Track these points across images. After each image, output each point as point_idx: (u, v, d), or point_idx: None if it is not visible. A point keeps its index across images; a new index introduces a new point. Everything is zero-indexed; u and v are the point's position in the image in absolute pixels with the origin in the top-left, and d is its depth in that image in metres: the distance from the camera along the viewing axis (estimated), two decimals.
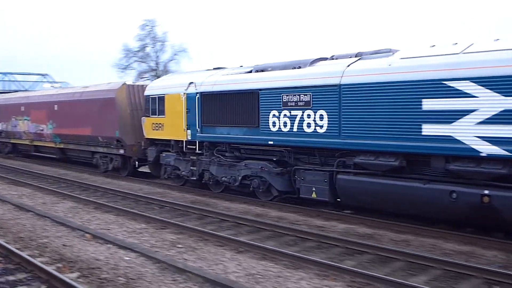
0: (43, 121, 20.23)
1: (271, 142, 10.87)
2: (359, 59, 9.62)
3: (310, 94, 9.94)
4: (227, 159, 12.21)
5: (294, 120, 10.35)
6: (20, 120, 22.06)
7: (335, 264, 6.77)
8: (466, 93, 7.48)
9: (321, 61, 10.71)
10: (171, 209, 11.34)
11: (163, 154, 14.27)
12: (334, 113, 9.49)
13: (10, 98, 24.81)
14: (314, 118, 9.91)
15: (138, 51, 39.22)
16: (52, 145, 20.08)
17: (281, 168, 11.00)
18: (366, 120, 8.95)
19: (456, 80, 7.56)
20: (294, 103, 10.30)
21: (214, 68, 14.30)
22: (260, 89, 11.06)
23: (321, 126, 9.76)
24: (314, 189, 10.10)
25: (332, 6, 65.86)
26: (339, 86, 9.34)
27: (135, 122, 16.43)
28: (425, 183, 8.17)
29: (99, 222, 9.79)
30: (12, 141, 23.81)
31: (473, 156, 7.48)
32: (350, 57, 10.16)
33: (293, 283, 6.14)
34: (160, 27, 39.56)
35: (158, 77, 28.46)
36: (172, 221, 9.77)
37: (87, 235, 8.55)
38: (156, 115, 14.13)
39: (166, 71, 37.55)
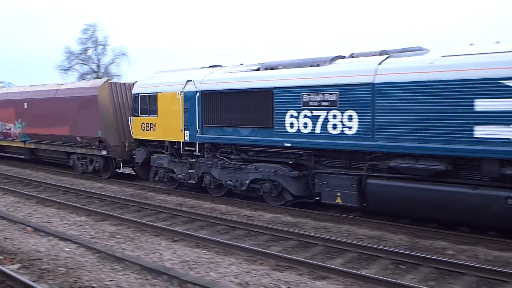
0: (11, 120, 18.53)
1: (288, 144, 9.78)
2: (387, 57, 8.69)
3: (336, 94, 8.91)
4: (233, 162, 11.07)
5: (317, 121, 9.27)
6: None
7: (262, 250, 7.31)
8: None
9: (340, 59, 9.71)
10: (111, 202, 11.81)
11: (155, 156, 13.09)
12: (366, 114, 8.56)
13: None
14: (342, 119, 8.89)
15: (80, 53, 40.66)
16: (21, 145, 18.41)
17: (298, 172, 9.83)
18: (405, 121, 8.06)
19: None
20: (317, 102, 9.28)
21: (210, 66, 13.03)
22: (275, 88, 9.89)
23: (350, 128, 8.80)
24: (339, 194, 9.10)
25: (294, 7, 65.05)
26: (372, 85, 8.40)
27: (118, 121, 15.27)
28: (474, 188, 7.35)
29: (40, 216, 9.96)
30: None
31: None
32: (374, 55, 9.23)
33: (224, 268, 6.49)
34: (102, 31, 41.14)
35: (100, 78, 29.03)
36: (111, 213, 10.18)
37: (28, 228, 8.62)
38: (146, 114, 12.92)
39: (107, 73, 39.71)
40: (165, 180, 13.00)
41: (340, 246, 7.58)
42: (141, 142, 13.54)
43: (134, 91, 13.46)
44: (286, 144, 9.94)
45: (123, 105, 15.51)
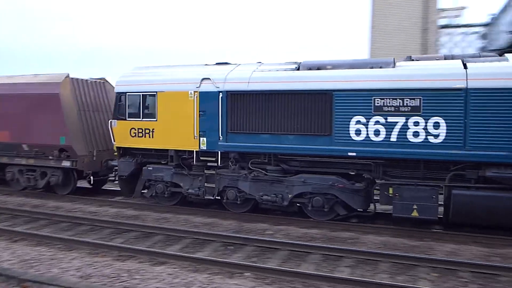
0: None
1: (353, 154, 8.14)
2: (465, 61, 7.81)
3: (420, 98, 7.67)
4: (269, 174, 9.05)
5: (393, 128, 7.88)
6: None
7: (104, 242, 7.48)
8: None
9: (401, 62, 8.53)
10: None
11: (150, 168, 10.36)
12: (457, 121, 7.46)
13: None
14: (426, 126, 7.68)
15: None
16: None
17: (362, 184, 8.32)
18: (503, 129, 7.17)
19: None
20: (393, 108, 7.92)
21: (217, 63, 10.52)
22: (335, 90, 8.18)
23: (437, 136, 7.68)
24: (415, 206, 7.83)
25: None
26: (465, 90, 7.41)
27: (84, 126, 11.65)
28: None
29: None
30: None
31: None
32: (438, 59, 8.32)
33: (66, 263, 6.49)
34: None
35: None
36: None
37: None
38: (138, 118, 10.14)
39: None
40: (165, 195, 10.21)
41: (178, 234, 8.13)
42: (127, 151, 10.63)
43: (118, 88, 10.52)
44: (350, 154, 8.28)
45: (87, 105, 12.01)
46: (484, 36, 21.63)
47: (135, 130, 10.21)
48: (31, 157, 11.76)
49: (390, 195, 8.27)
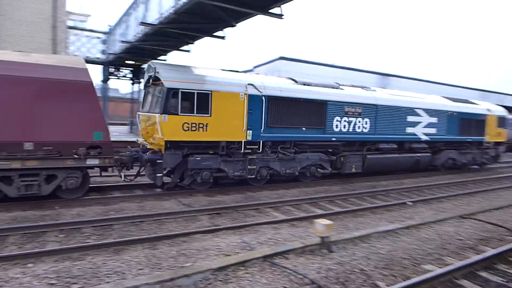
0: None
1: (334, 139, 14.02)
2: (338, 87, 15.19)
3: (361, 108, 14.62)
4: (289, 155, 13.13)
5: (351, 124, 14.42)
6: None
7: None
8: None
9: (346, 86, 15.07)
10: None
11: (198, 158, 11.42)
12: (373, 121, 14.99)
13: None
14: (363, 123, 14.76)
15: None
16: None
17: (334, 156, 14.36)
18: (387, 125, 15.37)
19: None
20: (351, 112, 14.35)
21: (222, 69, 12.56)
22: (328, 101, 13.68)
23: (366, 128, 14.87)
24: (354, 166, 14.84)
25: None
26: (375, 105, 15.02)
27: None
28: (402, 154, 16.14)
29: None
30: None
31: (417, 140, 16.58)
32: (362, 87, 15.60)
33: None
34: None
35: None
36: None
37: None
38: (192, 113, 10.94)
39: None
40: (210, 180, 11.80)
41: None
42: (174, 144, 11.03)
43: (169, 84, 10.71)
44: (333, 139, 13.98)
45: None
46: (104, 42, 26.79)
47: (188, 124, 10.82)
48: (31, 159, 8.96)
49: (342, 161, 14.55)
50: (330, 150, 14.20)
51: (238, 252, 6.82)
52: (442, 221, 9.36)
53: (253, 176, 12.38)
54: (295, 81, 13.48)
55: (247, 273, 5.96)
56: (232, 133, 11.51)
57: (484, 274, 6.40)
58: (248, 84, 11.77)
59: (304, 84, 13.39)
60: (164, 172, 11.00)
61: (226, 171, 11.82)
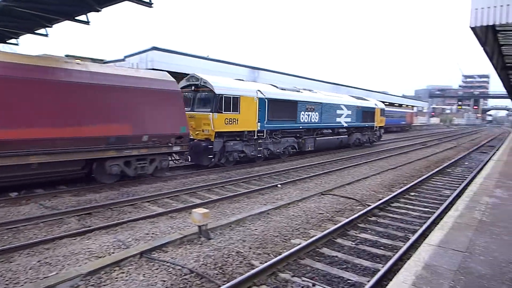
0: None
1: (301, 127, 18.94)
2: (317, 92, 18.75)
3: (315, 105, 19.81)
4: (278, 139, 17.76)
5: (309, 116, 19.32)
6: None
7: None
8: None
9: (303, 90, 20.27)
10: None
11: (231, 143, 15.24)
12: (319, 113, 20.21)
13: None
14: (315, 115, 19.67)
15: None
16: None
17: (299, 140, 19.31)
18: (328, 116, 21.24)
19: None
20: (310, 108, 19.19)
21: (236, 79, 17.52)
22: (298, 101, 18.59)
23: (316, 119, 19.78)
24: (309, 145, 19.82)
25: None
26: (320, 104, 20.20)
27: None
28: (334, 136, 22.05)
29: None
30: None
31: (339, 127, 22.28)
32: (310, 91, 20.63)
33: None
34: None
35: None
36: None
37: None
38: (229, 111, 14.81)
39: None
40: (238, 159, 15.90)
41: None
42: (219, 134, 14.70)
43: (218, 91, 14.45)
44: (301, 127, 18.85)
45: None
46: None
47: (228, 119, 14.77)
48: (147, 146, 11.57)
49: (303, 143, 19.31)
50: (298, 135, 19.11)
51: (112, 253, 6.34)
52: (306, 199, 10.37)
53: (260, 155, 16.71)
54: (276, 87, 18.01)
55: (123, 272, 5.59)
56: (250, 124, 15.82)
57: (339, 240, 7.33)
58: (257, 90, 16.20)
59: (283, 89, 18.11)
60: (213, 155, 14.58)
61: (246, 152, 16.05)
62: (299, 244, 6.89)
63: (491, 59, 15.05)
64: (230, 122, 14.75)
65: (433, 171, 15.39)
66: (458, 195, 10.51)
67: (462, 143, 33.62)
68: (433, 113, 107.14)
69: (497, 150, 23.60)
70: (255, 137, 16.06)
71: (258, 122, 16.07)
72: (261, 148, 16.57)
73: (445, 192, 11.92)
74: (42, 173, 9.60)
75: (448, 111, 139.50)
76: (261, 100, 16.09)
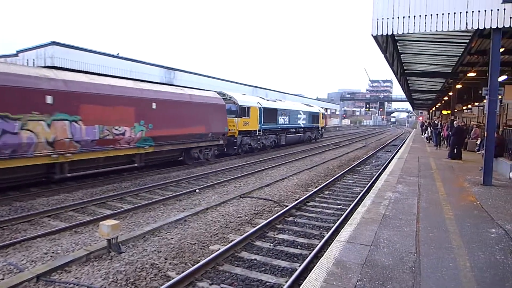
0: (126, 121, 13.11)
1: (279, 127, 26.41)
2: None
3: (289, 112, 27.98)
4: (271, 136, 25.80)
5: (283, 120, 26.69)
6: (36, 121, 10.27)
7: None
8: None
9: (279, 101, 28.97)
10: None
11: (245, 138, 22.43)
12: (294, 116, 29.03)
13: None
14: (285, 119, 27.21)
15: None
16: (134, 151, 13.62)
17: (277, 136, 26.88)
18: (293, 119, 28.99)
19: None
20: (285, 114, 26.97)
21: (243, 94, 25.71)
22: (277, 109, 26.08)
23: (287, 121, 27.57)
24: (283, 141, 27.55)
25: None
26: (289, 110, 28.44)
27: None
28: (295, 134, 30.12)
29: None
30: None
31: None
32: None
33: None
34: None
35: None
36: None
37: None
38: (245, 116, 21.80)
39: None
40: (247, 149, 22.95)
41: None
42: (240, 132, 21.64)
43: (240, 103, 21.49)
44: (279, 127, 26.28)
45: None
46: None
47: (244, 122, 21.56)
48: (209, 140, 18.02)
49: (279, 138, 26.93)
50: (276, 133, 26.53)
51: (1, 279, 5.58)
52: (225, 203, 10.37)
53: (259, 147, 24.01)
54: (264, 99, 26.38)
55: None
56: (255, 125, 22.97)
57: (258, 243, 7.45)
58: (258, 102, 23.69)
59: (268, 100, 26.43)
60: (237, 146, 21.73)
61: (252, 145, 23.09)
62: (218, 250, 6.85)
63: (391, 65, 16.74)
64: (245, 124, 22.00)
65: (345, 170, 16.57)
66: (367, 191, 11.45)
67: (370, 143, 36.81)
68: (344, 115, 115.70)
69: (399, 148, 26.34)
70: (257, 134, 23.56)
71: (258, 124, 23.59)
72: (259, 142, 24.18)
73: (356, 190, 12.90)
74: (163, 157, 15.95)
75: (357, 113, 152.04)
76: (259, 109, 23.63)
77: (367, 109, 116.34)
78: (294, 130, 29.56)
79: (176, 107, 15.63)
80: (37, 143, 10.38)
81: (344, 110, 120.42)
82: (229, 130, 20.24)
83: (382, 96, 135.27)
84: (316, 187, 12.96)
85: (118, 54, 24.79)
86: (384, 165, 18.52)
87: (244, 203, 10.46)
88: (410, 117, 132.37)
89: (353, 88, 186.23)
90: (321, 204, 10.75)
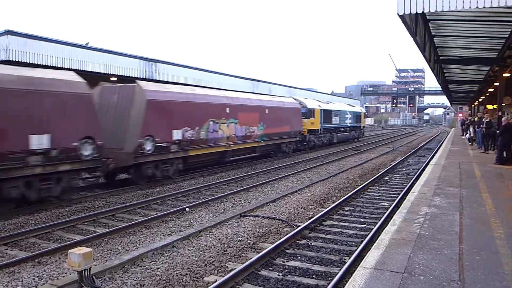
0: (254, 123, 23.36)
1: (333, 127, 35.88)
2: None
3: (338, 112, 37.85)
4: (327, 134, 34.81)
5: (337, 119, 36.52)
6: (224, 123, 20.30)
7: None
8: None
9: (330, 103, 39.45)
10: None
11: (311, 136, 31.68)
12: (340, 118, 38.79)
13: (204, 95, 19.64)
14: (338, 119, 37.61)
15: None
16: (256, 144, 23.82)
17: (332, 135, 36.61)
18: (343, 119, 38.82)
19: None
20: (336, 115, 36.50)
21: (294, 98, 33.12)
22: (332, 110, 35.44)
23: (338, 122, 37.42)
24: (335, 138, 36.67)
25: None
26: (339, 111, 37.34)
27: None
28: (344, 133, 39.86)
29: None
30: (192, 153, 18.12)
31: None
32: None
33: None
34: None
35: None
36: None
37: None
38: (312, 117, 31.31)
39: None
40: (312, 146, 32.17)
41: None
42: (308, 131, 30.98)
43: (309, 106, 31.32)
44: (333, 126, 36.51)
45: None
46: None
47: (310, 122, 31.48)
48: (291, 137, 28.02)
49: (332, 136, 36.43)
50: (331, 132, 35.26)
51: None
52: (222, 224, 10.39)
53: (320, 144, 33.23)
54: (322, 102, 35.74)
55: None
56: (317, 125, 32.28)
57: (264, 272, 7.45)
58: (318, 105, 33.38)
59: (324, 103, 35.46)
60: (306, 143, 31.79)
61: (315, 142, 32.63)
62: (214, 282, 6.84)
63: (423, 51, 16.78)
64: (311, 124, 31.53)
65: (369, 181, 16.58)
66: (397, 206, 11.44)
67: (399, 146, 36.88)
68: (366, 113, 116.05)
69: (435, 152, 26.34)
70: (319, 132, 32.84)
71: (320, 124, 32.83)
72: (320, 139, 33.47)
73: (383, 204, 12.90)
74: (267, 149, 25.77)
75: (382, 110, 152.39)
76: (320, 110, 32.90)
77: (394, 105, 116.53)
78: (343, 129, 38.94)
79: (276, 111, 25.73)
80: (223, 137, 20.13)
81: (366, 106, 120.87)
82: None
83: (412, 89, 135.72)
84: (333, 202, 12.97)
85: (87, 44, 24.92)
86: (417, 174, 18.52)
87: (245, 224, 10.46)
88: (448, 113, 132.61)
89: (375, 80, 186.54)
90: (341, 223, 10.75)
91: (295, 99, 30.88)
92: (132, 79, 19.92)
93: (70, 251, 6.55)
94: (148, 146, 15.45)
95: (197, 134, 18.15)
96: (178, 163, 17.32)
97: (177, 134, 16.91)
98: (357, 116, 43.05)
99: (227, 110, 20.24)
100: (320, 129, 32.78)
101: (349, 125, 40.10)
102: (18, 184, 11.39)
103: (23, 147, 11.37)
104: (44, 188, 12.10)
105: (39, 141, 11.67)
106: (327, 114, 33.93)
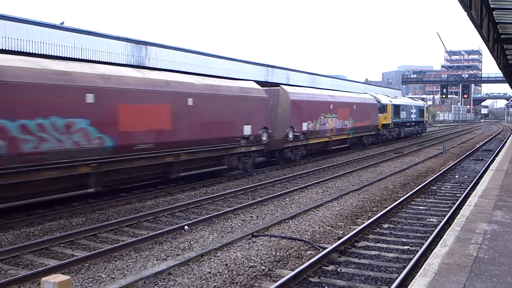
0: (346, 118, 32.14)
1: (400, 122, 45.62)
2: None
3: (405, 107, 48.18)
4: (396, 128, 44.63)
5: (404, 114, 46.42)
6: (329, 117, 29.55)
7: None
8: None
9: (395, 97, 53.93)
10: None
11: (384, 130, 40.73)
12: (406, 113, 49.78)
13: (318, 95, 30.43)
14: (404, 113, 47.19)
15: None
16: (346, 136, 32.76)
17: (399, 129, 46.69)
18: (409, 114, 49.49)
19: None
20: (404, 110, 47.05)
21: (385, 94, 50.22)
22: (393, 104, 43.58)
23: (405, 116, 47.75)
24: (402, 133, 46.72)
25: None
26: (406, 105, 48.31)
27: None
28: (409, 127, 50.05)
29: None
30: (311, 141, 28.06)
31: None
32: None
33: None
34: None
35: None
36: None
37: None
38: (385, 112, 39.95)
39: None
40: (384, 139, 41.58)
41: None
42: (382, 125, 39.98)
43: (382, 102, 39.96)
44: (401, 121, 46.01)
45: None
46: None
47: (384, 117, 40.78)
48: (370, 131, 37.85)
49: (399, 131, 46.29)
50: (399, 127, 45.09)
51: None
52: (230, 246, 10.42)
53: (391, 137, 42.95)
54: (389, 96, 46.31)
55: None
56: (389, 120, 41.50)
57: None
58: (389, 100, 42.90)
59: (393, 98, 46.83)
60: (380, 136, 41.93)
61: (387, 135, 42.21)
62: None
63: (479, 28, 16.66)
64: (384, 119, 39.64)
65: (413, 191, 16.50)
66: (448, 223, 11.36)
67: (450, 147, 36.63)
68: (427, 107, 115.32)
69: (496, 155, 26.10)
70: (390, 127, 41.30)
71: (391, 118, 41.20)
72: (392, 133, 42.21)
73: (431, 220, 12.82)
74: (353, 141, 36.15)
75: (429, 102, 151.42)
76: (391, 105, 41.29)
77: (443, 96, 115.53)
78: (409, 123, 48.13)
79: (360, 107, 34.62)
80: (328, 129, 29.22)
81: (409, 97, 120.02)
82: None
83: (466, 76, 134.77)
84: (369, 218, 12.92)
85: (62, 23, 25.22)
86: (473, 182, 18.37)
87: (258, 245, 10.49)
88: (511, 106, 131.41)
89: (420, 65, 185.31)
90: (378, 244, 10.72)
91: (371, 95, 40.77)
92: (117, 66, 20.05)
93: (43, 279, 6.62)
94: (290, 135, 24.57)
95: (314, 126, 27.35)
96: (302, 149, 26.93)
97: (305, 126, 26.17)
98: (420, 111, 52.86)
99: (331, 106, 29.79)
100: (391, 124, 41.89)
101: (414, 119, 49.69)
102: (235, 158, 20.69)
103: (240, 133, 20.67)
104: (245, 162, 21.41)
105: (246, 130, 20.92)
106: (396, 109, 43.03)
